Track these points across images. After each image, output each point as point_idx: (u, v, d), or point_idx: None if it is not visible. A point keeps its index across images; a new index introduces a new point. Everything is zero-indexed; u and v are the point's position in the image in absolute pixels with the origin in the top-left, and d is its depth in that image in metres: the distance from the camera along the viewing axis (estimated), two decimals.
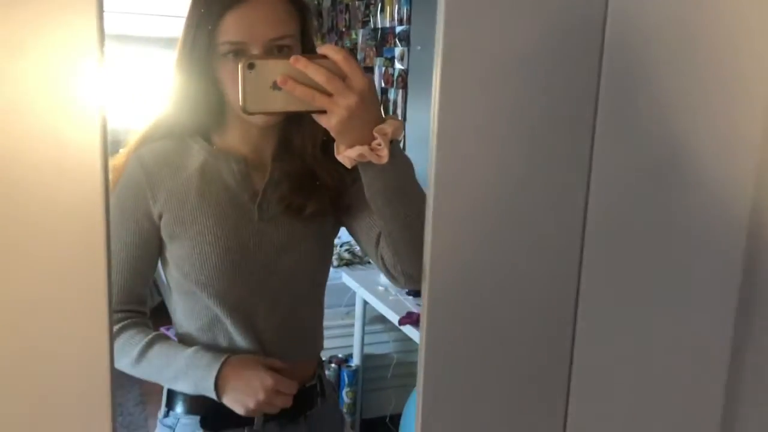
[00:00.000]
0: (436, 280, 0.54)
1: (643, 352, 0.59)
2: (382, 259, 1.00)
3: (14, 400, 0.47)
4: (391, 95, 3.38)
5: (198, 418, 1.09)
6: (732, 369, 0.60)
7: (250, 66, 0.74)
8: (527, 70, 0.53)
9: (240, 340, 1.08)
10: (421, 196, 0.92)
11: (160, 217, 1.05)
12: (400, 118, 3.30)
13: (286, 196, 1.07)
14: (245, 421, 1.07)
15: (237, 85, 0.75)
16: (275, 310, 1.09)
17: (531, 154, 0.54)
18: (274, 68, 0.75)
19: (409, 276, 0.99)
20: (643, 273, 0.58)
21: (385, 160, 0.81)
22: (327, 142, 0.84)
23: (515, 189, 0.55)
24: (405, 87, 3.28)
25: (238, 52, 0.96)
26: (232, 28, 0.95)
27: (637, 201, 0.56)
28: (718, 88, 0.56)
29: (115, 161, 1.05)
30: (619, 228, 0.57)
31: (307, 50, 1.03)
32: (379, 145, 0.80)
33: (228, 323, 1.08)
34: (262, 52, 0.95)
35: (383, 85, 3.45)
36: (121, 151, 1.08)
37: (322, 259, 1.16)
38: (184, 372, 1.05)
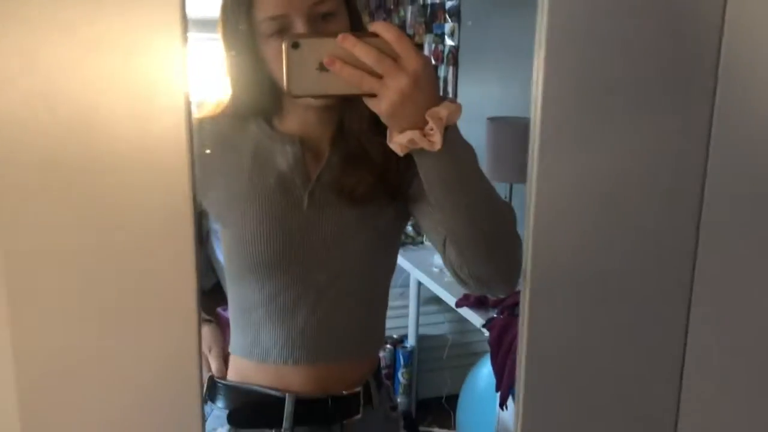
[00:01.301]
0: (537, 279, 0.51)
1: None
2: (450, 261, 0.94)
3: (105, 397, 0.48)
4: (442, 72, 3.32)
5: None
6: None
7: (295, 45, 0.68)
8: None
9: (268, 333, 1.04)
10: (484, 187, 0.84)
11: (204, 194, 1.03)
12: (450, 95, 3.25)
13: (338, 180, 1.01)
14: (273, 422, 1.05)
15: (280, 63, 0.69)
16: (318, 306, 1.04)
17: (637, 153, 0.51)
18: (321, 47, 0.69)
19: (477, 279, 0.92)
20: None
21: (438, 146, 0.74)
22: (378, 119, 0.79)
23: (619, 189, 0.52)
24: (456, 64, 3.23)
25: (281, 29, 0.91)
26: (269, 1, 0.90)
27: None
28: None
29: None
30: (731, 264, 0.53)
31: (353, 15, 0.97)
32: (432, 130, 0.73)
33: (262, 313, 1.04)
34: (306, 22, 0.89)
35: (433, 62, 3.40)
36: None
37: (380, 255, 1.08)
38: None
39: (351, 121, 1.01)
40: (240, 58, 0.96)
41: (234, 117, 1.03)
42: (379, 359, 1.18)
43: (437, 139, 0.74)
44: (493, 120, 2.49)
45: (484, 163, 2.47)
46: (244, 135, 1.03)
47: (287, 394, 1.05)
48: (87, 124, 0.43)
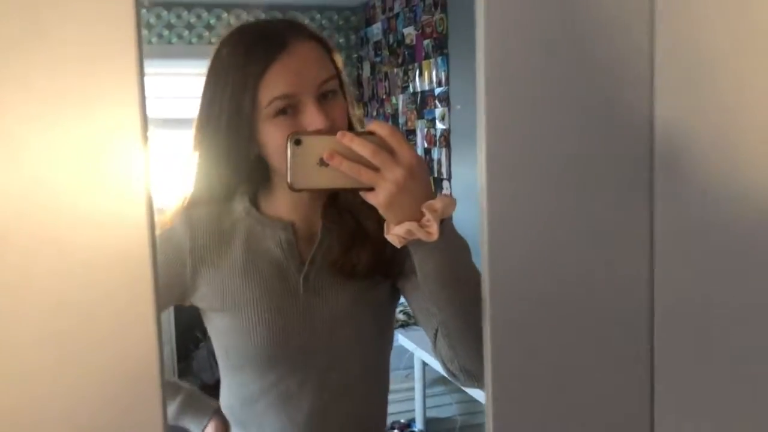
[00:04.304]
0: (498, 370, 0.53)
1: None
2: (441, 353, 0.93)
3: None
4: (435, 154, 3.41)
5: None
6: None
7: (297, 142, 0.75)
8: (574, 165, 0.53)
9: (273, 424, 1.02)
10: (478, 282, 0.82)
11: (195, 288, 1.01)
12: (444, 175, 3.32)
13: (337, 259, 1.00)
14: None
15: (282, 146, 0.76)
16: (322, 390, 1.01)
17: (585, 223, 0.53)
18: (321, 144, 0.75)
19: (467, 372, 0.91)
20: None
21: (435, 237, 0.76)
22: None
23: (571, 262, 0.54)
24: (448, 145, 3.31)
25: (288, 108, 0.90)
26: (279, 80, 0.89)
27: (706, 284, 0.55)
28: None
29: (161, 217, 1.02)
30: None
31: (346, 94, 0.98)
32: (429, 221, 0.76)
33: (264, 403, 1.02)
34: (315, 101, 0.90)
35: (426, 145, 3.49)
36: (166, 212, 1.04)
37: (379, 331, 1.06)
38: (181, 411, 1.13)
39: (345, 197, 1.01)
40: (231, 142, 0.94)
41: (218, 201, 1.02)
42: None
43: (434, 230, 0.76)
44: None
45: (479, 239, 2.48)
46: (235, 223, 1.02)
47: None
48: (53, 229, 0.44)
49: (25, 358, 0.45)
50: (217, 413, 1.11)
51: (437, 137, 3.39)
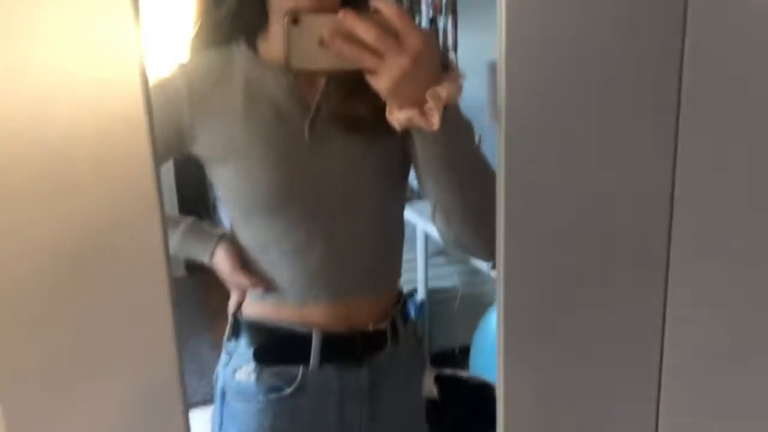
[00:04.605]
0: (512, 243, 0.51)
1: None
2: (438, 225, 0.94)
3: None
4: (441, 23, 3.27)
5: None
6: None
7: (295, 21, 0.69)
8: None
9: (285, 273, 1.03)
10: (480, 165, 0.85)
11: (194, 138, 0.99)
12: (450, 45, 3.20)
13: (341, 109, 0.97)
14: (300, 359, 1.05)
15: None
16: (333, 240, 1.02)
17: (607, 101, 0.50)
18: (321, 24, 0.69)
19: (462, 245, 0.93)
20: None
21: (436, 126, 0.74)
22: None
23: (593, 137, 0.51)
24: (454, 13, 3.18)
25: None
26: None
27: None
28: None
29: (157, 76, 1.00)
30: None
31: None
32: (431, 109, 0.73)
33: (275, 253, 1.03)
34: None
35: (431, 13, 3.35)
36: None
37: (390, 185, 1.04)
38: (184, 239, 1.08)
39: None
40: None
41: (216, 47, 1.00)
42: (401, 292, 1.16)
43: (435, 120, 0.74)
44: (493, 65, 2.45)
45: (486, 108, 2.44)
46: (233, 68, 0.99)
47: (313, 330, 1.05)
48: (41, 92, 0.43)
49: (27, 219, 0.45)
50: (224, 237, 1.08)
51: (443, 4, 3.24)
